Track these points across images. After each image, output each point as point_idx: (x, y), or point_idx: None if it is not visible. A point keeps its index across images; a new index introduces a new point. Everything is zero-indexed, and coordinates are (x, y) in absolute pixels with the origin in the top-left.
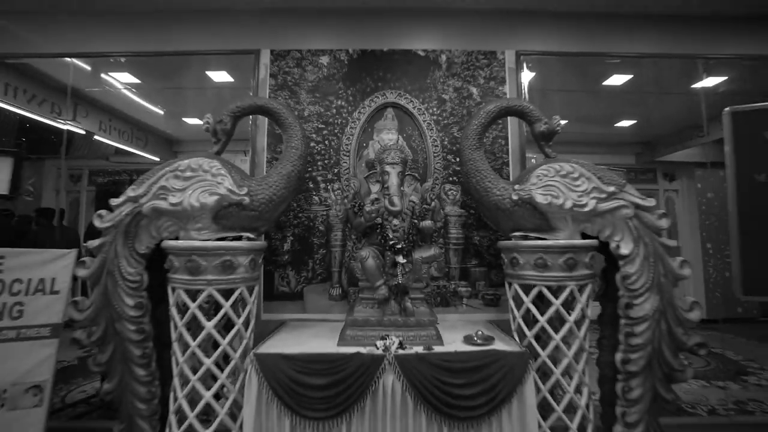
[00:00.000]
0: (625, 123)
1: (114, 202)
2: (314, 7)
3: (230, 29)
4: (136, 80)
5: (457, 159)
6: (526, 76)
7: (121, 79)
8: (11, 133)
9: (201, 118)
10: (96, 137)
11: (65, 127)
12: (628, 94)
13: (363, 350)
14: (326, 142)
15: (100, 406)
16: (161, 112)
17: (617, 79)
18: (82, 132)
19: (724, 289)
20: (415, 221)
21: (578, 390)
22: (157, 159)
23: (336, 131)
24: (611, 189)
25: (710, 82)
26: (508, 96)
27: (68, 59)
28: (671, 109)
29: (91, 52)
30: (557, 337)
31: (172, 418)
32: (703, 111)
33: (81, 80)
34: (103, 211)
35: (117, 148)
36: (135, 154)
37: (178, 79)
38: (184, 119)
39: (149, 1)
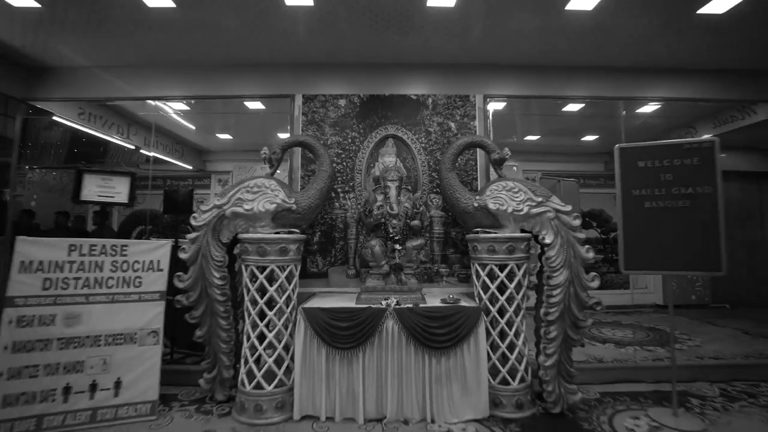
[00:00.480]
0: (590, 137)
1: (204, 208)
2: (334, 62)
3: (272, 78)
4: (185, 107)
5: (441, 175)
6: (500, 105)
7: (174, 107)
8: (66, 144)
9: (229, 133)
10: (141, 150)
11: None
12: (583, 117)
13: (372, 306)
14: (344, 163)
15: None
16: (193, 128)
17: (572, 107)
18: (132, 147)
19: (679, 279)
20: (408, 221)
21: (517, 334)
22: (190, 167)
23: (351, 155)
24: (540, 199)
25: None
26: (477, 129)
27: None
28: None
29: (158, 96)
30: (502, 298)
31: (247, 352)
32: (623, 136)
33: (137, 107)
34: (196, 214)
35: (147, 156)
36: (171, 163)
37: (220, 106)
38: (216, 134)
39: (207, 56)
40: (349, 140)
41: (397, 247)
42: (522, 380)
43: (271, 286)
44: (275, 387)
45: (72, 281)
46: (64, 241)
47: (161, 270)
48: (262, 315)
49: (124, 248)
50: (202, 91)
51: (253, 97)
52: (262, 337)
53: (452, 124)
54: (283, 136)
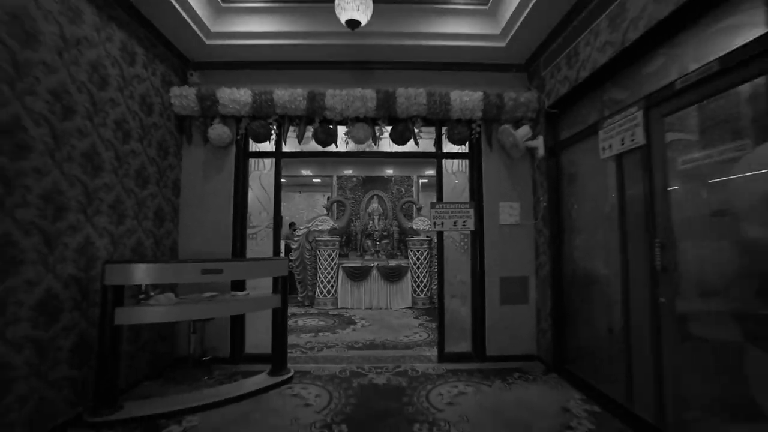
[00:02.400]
0: None
1: (299, 232)
2: (351, 161)
3: (325, 167)
4: None
5: (394, 213)
6: (425, 180)
7: None
8: None
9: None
10: None
11: None
12: None
13: (368, 264)
14: (353, 208)
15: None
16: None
17: None
18: None
19: None
20: (383, 232)
21: (423, 277)
22: None
23: (358, 202)
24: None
25: None
26: (414, 192)
27: None
28: None
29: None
30: (417, 263)
31: (319, 283)
32: None
33: None
34: (298, 230)
35: None
36: None
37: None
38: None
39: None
40: (356, 197)
41: (377, 242)
42: (424, 293)
43: (326, 257)
44: (329, 295)
45: None
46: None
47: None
48: (322, 268)
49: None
50: (292, 172)
51: (315, 176)
52: (324, 281)
53: (403, 189)
54: (327, 194)
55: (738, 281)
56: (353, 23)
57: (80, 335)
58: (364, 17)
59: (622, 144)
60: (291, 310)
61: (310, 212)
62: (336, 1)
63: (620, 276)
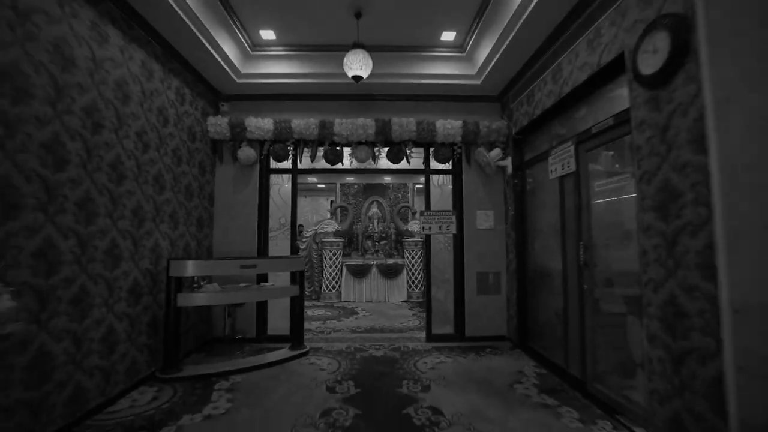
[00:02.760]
0: None
1: (309, 230)
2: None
3: (331, 176)
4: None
5: (391, 217)
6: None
7: None
8: None
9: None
10: None
11: None
12: None
13: (368, 262)
14: (355, 213)
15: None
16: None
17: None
18: None
19: None
20: (381, 234)
21: (416, 274)
22: None
23: (359, 208)
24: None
25: None
26: (409, 197)
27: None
28: None
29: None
30: (411, 261)
31: (324, 279)
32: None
33: None
34: (306, 231)
35: None
36: None
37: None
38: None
39: None
40: (358, 202)
41: (377, 243)
42: (418, 288)
43: (331, 256)
44: (333, 290)
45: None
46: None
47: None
48: (328, 266)
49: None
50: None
51: (320, 182)
52: (329, 278)
53: (399, 195)
54: (331, 198)
55: (623, 273)
56: (357, 78)
57: (153, 313)
58: (365, 73)
59: (563, 169)
60: None
61: (315, 215)
62: (344, 62)
63: (561, 271)
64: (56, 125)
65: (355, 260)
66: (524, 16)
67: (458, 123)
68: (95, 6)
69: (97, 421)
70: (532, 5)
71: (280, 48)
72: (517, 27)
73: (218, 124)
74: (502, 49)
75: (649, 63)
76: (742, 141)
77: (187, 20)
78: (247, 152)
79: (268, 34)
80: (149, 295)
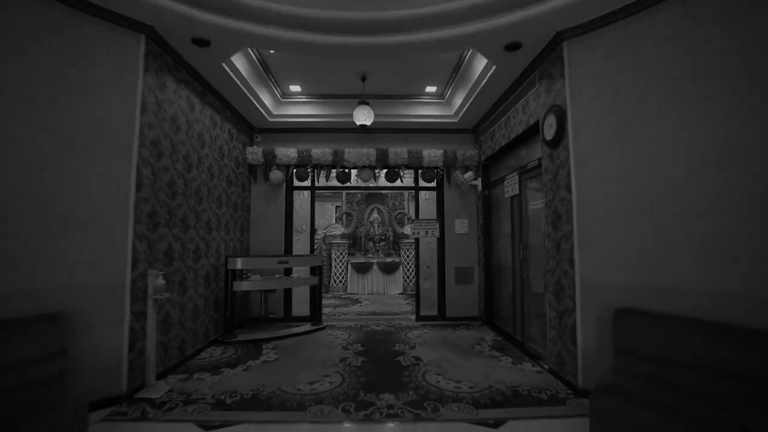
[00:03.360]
0: None
1: (317, 236)
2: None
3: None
4: None
5: (390, 221)
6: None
7: None
8: None
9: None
10: None
11: None
12: None
13: (370, 260)
14: (358, 218)
15: None
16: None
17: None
18: None
19: None
20: (381, 236)
21: (409, 271)
22: None
23: (362, 213)
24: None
25: None
26: (405, 204)
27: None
28: None
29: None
30: (406, 260)
31: (333, 281)
32: None
33: None
34: (317, 238)
35: None
36: None
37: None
38: None
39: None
40: (361, 208)
41: (377, 244)
42: (412, 282)
43: (338, 255)
44: (340, 284)
45: None
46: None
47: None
48: (335, 264)
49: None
50: None
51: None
52: (337, 275)
53: (397, 203)
54: (337, 204)
55: (542, 265)
56: (363, 126)
57: (216, 295)
58: (369, 122)
59: (512, 191)
60: None
61: (322, 218)
62: (354, 114)
63: (511, 265)
64: (172, 171)
65: (359, 259)
66: (483, 82)
67: (440, 152)
68: (187, 85)
69: (194, 363)
70: (488, 75)
71: (304, 96)
72: (480, 87)
73: (254, 152)
74: (471, 100)
75: (549, 132)
76: (589, 187)
77: (239, 83)
78: (276, 174)
79: (295, 88)
80: (214, 282)
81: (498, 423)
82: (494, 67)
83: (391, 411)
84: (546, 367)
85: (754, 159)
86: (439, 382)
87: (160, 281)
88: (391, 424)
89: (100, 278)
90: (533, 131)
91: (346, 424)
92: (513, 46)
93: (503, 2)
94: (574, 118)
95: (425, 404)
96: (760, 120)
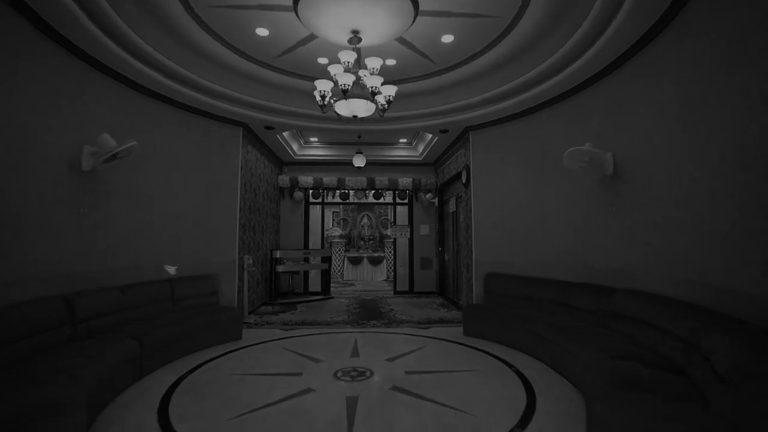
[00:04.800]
0: None
1: (328, 233)
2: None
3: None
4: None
5: (377, 225)
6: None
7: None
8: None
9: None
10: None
11: None
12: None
13: (362, 255)
14: (352, 223)
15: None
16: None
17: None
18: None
19: None
20: (370, 237)
21: (395, 264)
22: None
23: (355, 220)
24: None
25: None
26: (389, 213)
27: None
28: None
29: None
30: (391, 255)
31: (332, 271)
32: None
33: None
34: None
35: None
36: None
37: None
38: None
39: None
40: (354, 215)
41: (367, 243)
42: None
43: (337, 251)
44: (338, 273)
45: None
46: None
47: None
48: (335, 257)
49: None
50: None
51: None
52: (336, 262)
53: (382, 212)
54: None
55: (467, 256)
56: (359, 167)
57: (266, 274)
58: (362, 164)
59: (452, 209)
60: None
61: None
62: (353, 160)
63: (453, 257)
64: (250, 199)
65: (353, 254)
66: (433, 142)
67: (410, 179)
68: (254, 146)
69: (260, 311)
70: (435, 141)
71: (319, 143)
72: (432, 144)
73: (283, 179)
74: (429, 148)
75: (464, 178)
76: (480, 211)
77: (281, 141)
78: (298, 194)
79: (313, 138)
80: (264, 265)
81: (427, 328)
82: (436, 138)
83: (375, 326)
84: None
85: (552, 206)
86: (402, 317)
87: (249, 261)
88: (375, 330)
89: (226, 258)
90: (460, 175)
91: (352, 329)
92: (444, 131)
93: (440, 114)
94: (473, 172)
95: (392, 324)
96: (569, 193)
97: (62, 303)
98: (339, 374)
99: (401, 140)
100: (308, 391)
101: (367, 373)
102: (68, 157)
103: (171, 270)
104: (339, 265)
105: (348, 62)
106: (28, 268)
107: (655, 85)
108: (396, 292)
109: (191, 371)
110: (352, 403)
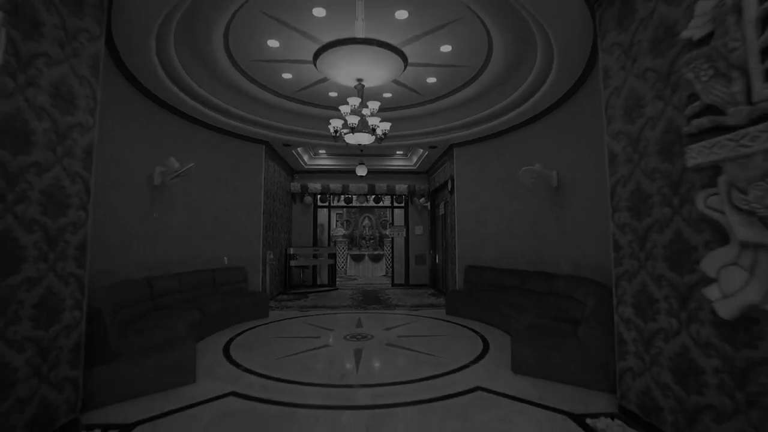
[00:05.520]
0: None
1: (333, 232)
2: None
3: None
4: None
5: (377, 225)
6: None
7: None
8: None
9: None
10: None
11: None
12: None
13: (363, 253)
14: (355, 223)
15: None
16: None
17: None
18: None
19: None
20: (371, 236)
21: (391, 262)
22: None
23: (357, 220)
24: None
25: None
26: (388, 215)
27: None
28: None
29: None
30: (391, 252)
31: (337, 267)
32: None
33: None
34: (324, 235)
35: None
36: None
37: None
38: None
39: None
40: (357, 217)
41: (368, 241)
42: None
43: (341, 249)
44: (342, 269)
45: None
46: None
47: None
48: (339, 255)
49: None
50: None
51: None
52: (340, 259)
53: (381, 213)
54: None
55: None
56: (362, 176)
57: (282, 268)
58: (364, 173)
59: (442, 212)
60: None
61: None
62: (356, 170)
63: (442, 253)
64: (270, 204)
65: (355, 251)
66: (424, 155)
67: (406, 185)
68: (273, 159)
69: (277, 299)
70: (425, 154)
71: (327, 155)
72: (425, 155)
73: (295, 185)
74: (422, 159)
75: (449, 186)
76: (461, 215)
77: (295, 154)
78: (307, 199)
79: (322, 151)
80: (280, 260)
81: (417, 310)
82: (427, 152)
83: (375, 309)
84: None
85: (516, 211)
86: (397, 302)
87: (270, 255)
88: (375, 311)
89: (252, 253)
90: (447, 183)
91: (356, 311)
92: (433, 147)
93: (428, 134)
94: (456, 183)
95: (389, 307)
96: (528, 201)
97: (146, 283)
98: (347, 337)
99: (398, 152)
100: (326, 346)
101: (369, 337)
102: (145, 175)
103: (225, 260)
104: (342, 263)
105: (354, 105)
106: (129, 258)
107: (577, 124)
108: (393, 285)
109: (237, 335)
110: (358, 352)
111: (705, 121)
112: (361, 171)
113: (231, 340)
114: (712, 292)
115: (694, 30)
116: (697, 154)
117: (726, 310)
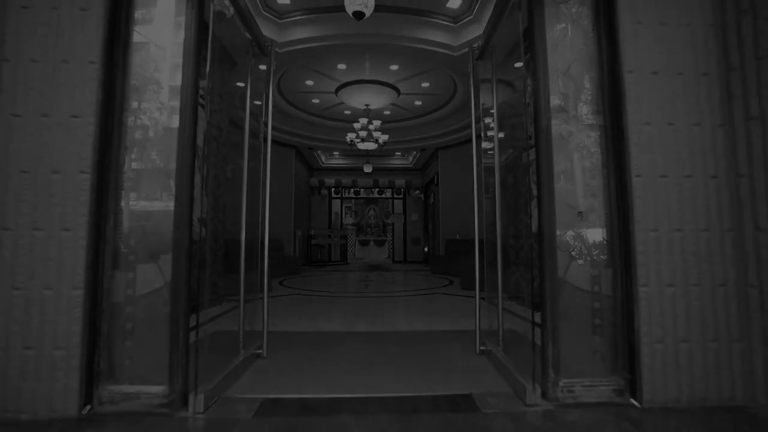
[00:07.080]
0: None
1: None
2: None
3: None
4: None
5: (381, 215)
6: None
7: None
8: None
9: None
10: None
11: None
12: None
13: (368, 239)
14: (361, 214)
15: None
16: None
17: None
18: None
19: None
20: (376, 224)
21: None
22: None
23: (364, 211)
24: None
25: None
26: (390, 205)
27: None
28: None
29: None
30: (391, 239)
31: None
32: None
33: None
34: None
35: None
36: None
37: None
38: None
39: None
40: (363, 207)
41: (373, 229)
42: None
43: (350, 235)
44: (351, 252)
45: None
46: None
47: None
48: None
49: None
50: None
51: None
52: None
53: (384, 204)
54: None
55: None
56: (368, 172)
57: (304, 245)
58: (370, 170)
59: (433, 201)
60: None
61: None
62: (364, 167)
63: (432, 233)
64: (297, 200)
65: (362, 237)
66: (418, 155)
67: (404, 180)
68: (299, 159)
69: (303, 268)
70: (418, 155)
71: (339, 156)
72: (418, 156)
73: (314, 180)
74: (416, 158)
75: (435, 181)
76: (443, 204)
77: (315, 155)
78: (324, 191)
79: (336, 153)
80: (303, 240)
81: (410, 273)
82: (419, 154)
83: (379, 271)
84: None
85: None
86: (396, 269)
87: (299, 233)
88: (379, 272)
89: (286, 229)
90: (434, 178)
91: (365, 273)
92: (423, 149)
93: (418, 140)
94: (440, 180)
95: (390, 271)
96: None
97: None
98: (360, 279)
99: (397, 153)
100: (347, 277)
101: (374, 279)
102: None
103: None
104: (351, 247)
105: (363, 122)
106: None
107: None
108: (394, 261)
109: (283, 280)
110: (369, 279)
111: None
112: (368, 168)
113: (281, 281)
114: None
115: None
116: None
117: None
